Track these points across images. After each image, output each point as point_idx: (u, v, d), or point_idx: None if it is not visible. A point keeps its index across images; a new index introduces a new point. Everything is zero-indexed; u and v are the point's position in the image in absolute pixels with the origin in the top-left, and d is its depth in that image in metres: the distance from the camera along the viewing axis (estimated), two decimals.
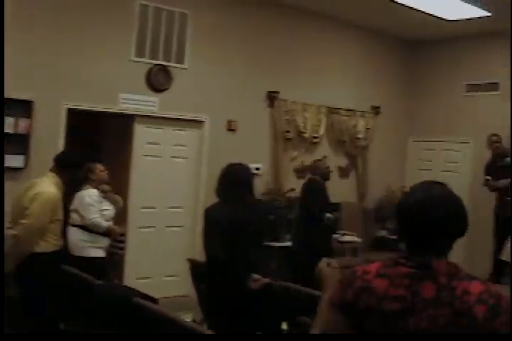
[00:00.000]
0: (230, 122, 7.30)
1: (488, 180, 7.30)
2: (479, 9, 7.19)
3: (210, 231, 3.97)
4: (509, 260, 6.01)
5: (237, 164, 4.16)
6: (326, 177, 6.79)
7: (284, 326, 4.21)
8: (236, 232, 3.90)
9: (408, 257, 1.77)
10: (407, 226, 1.81)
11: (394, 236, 8.22)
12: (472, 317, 1.63)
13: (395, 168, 9.24)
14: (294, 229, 6.89)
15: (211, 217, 3.99)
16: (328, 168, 7.04)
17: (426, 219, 1.75)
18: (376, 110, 8.84)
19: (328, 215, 6.59)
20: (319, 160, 7.20)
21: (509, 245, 6.18)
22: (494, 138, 7.89)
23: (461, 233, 1.81)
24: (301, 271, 6.10)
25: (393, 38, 9.16)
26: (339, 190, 7.89)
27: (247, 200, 4.07)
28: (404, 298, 1.72)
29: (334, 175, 8.05)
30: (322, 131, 8.19)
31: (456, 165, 8.80)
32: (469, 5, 7.02)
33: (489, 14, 7.35)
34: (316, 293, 3.93)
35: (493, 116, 8.34)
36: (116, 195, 5.45)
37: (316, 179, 6.66)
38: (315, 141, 8.12)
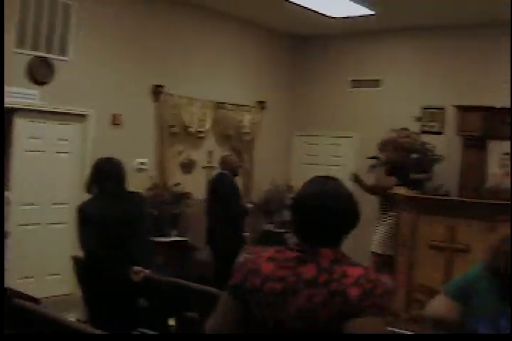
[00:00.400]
0: (114, 116, 7.63)
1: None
2: (364, 8, 7.99)
3: (84, 227, 4.24)
4: (378, 251, 6.61)
5: (107, 158, 4.48)
6: (235, 172, 7.20)
7: (172, 322, 4.44)
8: (110, 226, 4.19)
9: (298, 244, 2.01)
10: (301, 219, 2.03)
11: (280, 230, 8.79)
12: (345, 297, 1.85)
13: (281, 162, 9.89)
14: (207, 225, 7.17)
15: (84, 213, 4.27)
16: (238, 162, 7.51)
17: (319, 211, 1.97)
18: (262, 105, 9.45)
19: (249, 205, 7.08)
20: (229, 155, 7.62)
21: (377, 237, 6.76)
22: (403, 132, 8.43)
23: (352, 226, 2.04)
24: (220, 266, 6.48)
25: (281, 35, 9.92)
26: None
27: (119, 194, 4.40)
28: (287, 278, 1.94)
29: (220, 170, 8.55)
30: (208, 125, 8.70)
31: (340, 160, 9.53)
32: (355, 4, 7.76)
33: (373, 13, 8.07)
34: (207, 288, 4.32)
35: (375, 111, 9.19)
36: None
37: (226, 174, 7.03)
38: (201, 135, 8.60)
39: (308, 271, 1.92)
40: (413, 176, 7.59)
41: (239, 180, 7.62)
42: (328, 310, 1.86)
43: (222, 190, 6.92)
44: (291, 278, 1.93)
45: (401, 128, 8.45)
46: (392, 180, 6.60)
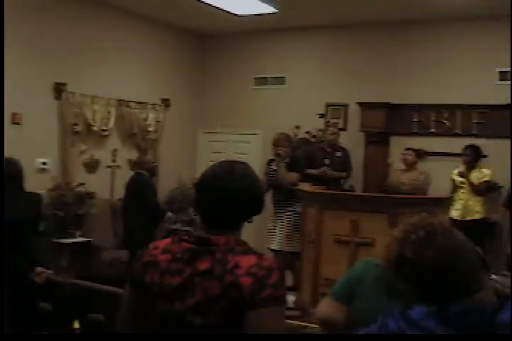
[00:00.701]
0: (14, 115, 7.44)
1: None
2: (268, 6, 8.09)
3: None
4: (282, 249, 6.69)
5: (5, 158, 4.46)
6: (153, 172, 7.20)
7: (76, 324, 4.33)
8: (8, 226, 4.10)
9: (191, 233, 2.01)
10: (202, 200, 2.04)
11: (187, 228, 8.78)
12: (239, 288, 1.84)
13: (186, 160, 9.90)
14: (124, 226, 7.13)
15: None
16: (155, 162, 7.52)
17: (219, 192, 1.97)
18: (166, 102, 9.43)
19: (169, 214, 7.02)
20: (146, 155, 7.61)
21: (279, 234, 6.84)
22: (331, 129, 8.34)
23: (255, 211, 2.05)
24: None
25: (186, 32, 9.95)
26: None
27: (17, 194, 4.34)
28: (183, 271, 1.93)
29: (125, 169, 8.51)
30: (112, 124, 8.62)
31: (246, 157, 9.58)
32: (260, 2, 7.88)
33: (277, 11, 8.18)
34: (112, 289, 4.28)
35: (280, 108, 9.33)
36: None
37: (143, 174, 7.00)
38: (104, 134, 8.51)
39: (203, 262, 1.92)
40: (336, 174, 7.75)
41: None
42: (224, 302, 1.86)
43: (140, 190, 6.89)
44: (188, 270, 1.93)
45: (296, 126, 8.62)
46: (294, 175, 6.70)
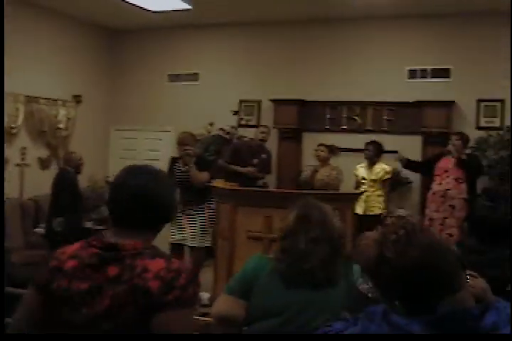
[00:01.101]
0: None
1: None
2: (182, 2, 8.10)
3: None
4: (194, 244, 6.71)
5: None
6: (78, 169, 7.21)
7: None
8: None
9: (100, 239, 2.00)
10: (115, 202, 2.07)
11: (100, 227, 8.68)
12: (147, 291, 1.86)
13: (98, 157, 9.78)
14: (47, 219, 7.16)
15: None
16: (81, 159, 7.41)
17: (132, 197, 2.01)
18: (78, 99, 9.32)
19: (59, 219, 6.94)
20: (73, 152, 7.53)
21: (191, 230, 6.87)
22: (263, 129, 8.28)
23: (165, 216, 2.09)
24: None
25: (98, 27, 9.84)
26: (40, 181, 8.15)
27: None
28: (91, 278, 1.93)
29: (35, 167, 8.35)
30: (20, 121, 8.42)
31: (158, 154, 9.57)
32: None
33: (190, 7, 8.19)
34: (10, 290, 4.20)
35: (194, 105, 9.35)
36: None
37: (68, 170, 6.98)
38: (13, 131, 8.35)
39: (112, 269, 1.93)
40: (258, 174, 7.80)
41: (51, 177, 7.47)
42: (133, 307, 1.87)
43: (64, 186, 6.90)
44: (95, 276, 1.93)
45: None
46: (206, 175, 6.72)
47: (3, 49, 4.99)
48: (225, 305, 2.78)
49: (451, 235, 6.92)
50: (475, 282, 1.86)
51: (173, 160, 6.92)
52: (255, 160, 7.79)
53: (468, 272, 1.90)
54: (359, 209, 7.67)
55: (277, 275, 2.76)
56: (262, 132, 8.01)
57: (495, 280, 2.60)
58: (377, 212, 7.79)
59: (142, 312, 1.86)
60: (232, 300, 2.77)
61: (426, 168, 7.62)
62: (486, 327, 1.52)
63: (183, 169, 6.74)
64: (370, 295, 2.72)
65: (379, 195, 7.86)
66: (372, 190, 7.84)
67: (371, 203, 7.82)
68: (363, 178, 7.89)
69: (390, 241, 1.61)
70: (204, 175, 6.67)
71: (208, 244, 6.77)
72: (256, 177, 7.80)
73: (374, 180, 7.84)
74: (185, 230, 6.77)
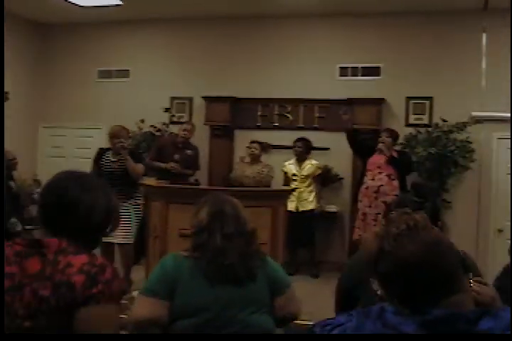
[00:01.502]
0: None
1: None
2: None
3: None
4: (122, 241, 6.64)
5: None
6: (12, 168, 7.18)
7: None
8: None
9: (25, 238, 2.02)
10: (46, 208, 2.07)
11: (28, 227, 8.52)
12: (71, 286, 1.86)
13: (26, 155, 9.54)
14: None
15: None
16: (15, 159, 7.36)
17: (57, 205, 2.02)
18: (5, 96, 9.02)
19: (13, 220, 6.80)
20: (7, 151, 7.38)
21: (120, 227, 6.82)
22: (185, 126, 8.25)
23: (93, 228, 2.06)
24: None
25: (26, 22, 9.64)
26: None
27: None
28: (14, 274, 1.92)
29: None
30: None
31: (88, 151, 9.35)
32: None
33: (121, 3, 8.11)
34: None
35: (125, 102, 9.25)
36: None
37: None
38: None
39: (33, 264, 1.92)
40: (184, 171, 7.76)
41: None
42: (55, 302, 1.85)
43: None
44: (18, 273, 1.92)
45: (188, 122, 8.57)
46: (142, 167, 6.67)
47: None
48: (148, 307, 2.72)
49: None
50: (482, 289, 1.83)
51: (102, 151, 6.82)
52: (176, 156, 7.76)
53: (477, 278, 1.91)
54: (291, 206, 7.74)
55: (198, 272, 2.75)
56: (184, 129, 7.97)
57: None
58: (309, 208, 7.88)
59: (64, 307, 1.85)
60: (154, 301, 2.72)
61: (364, 148, 7.64)
62: (480, 333, 1.50)
63: (113, 159, 6.65)
64: (379, 292, 2.73)
65: (310, 191, 7.95)
66: (304, 186, 7.92)
67: (303, 199, 7.90)
68: (294, 175, 7.96)
69: (391, 236, 1.59)
70: (140, 168, 6.63)
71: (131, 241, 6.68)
72: (182, 173, 7.75)
73: (306, 176, 7.93)
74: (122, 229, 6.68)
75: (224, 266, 2.74)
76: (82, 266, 1.89)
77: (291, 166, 8.06)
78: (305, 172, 7.97)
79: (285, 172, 8.09)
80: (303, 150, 8.02)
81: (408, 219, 1.63)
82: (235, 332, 2.69)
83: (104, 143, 9.12)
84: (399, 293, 1.59)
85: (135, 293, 6.00)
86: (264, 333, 2.78)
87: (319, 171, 8.04)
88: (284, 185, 7.88)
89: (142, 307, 2.74)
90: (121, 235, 6.46)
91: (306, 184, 7.96)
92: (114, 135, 6.71)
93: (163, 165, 7.62)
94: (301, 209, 7.87)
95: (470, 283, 1.78)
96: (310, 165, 8.01)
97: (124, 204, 6.59)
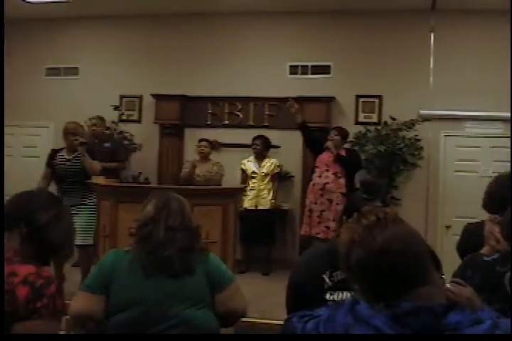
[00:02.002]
0: None
1: None
2: None
3: None
4: (78, 243, 6.54)
5: None
6: None
7: None
8: None
9: None
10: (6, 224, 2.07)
11: None
12: (15, 297, 1.80)
13: None
14: None
15: None
16: None
17: (14, 211, 2.06)
18: None
19: None
20: None
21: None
22: (93, 120, 8.38)
23: (48, 250, 2.06)
24: None
25: None
26: None
27: None
28: None
29: None
30: None
31: (36, 150, 9.27)
32: None
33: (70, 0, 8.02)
34: None
35: (74, 100, 9.13)
36: None
37: None
38: None
39: None
40: (106, 165, 7.70)
41: None
42: None
43: None
44: None
45: (97, 117, 8.48)
46: (99, 164, 6.59)
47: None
48: (84, 302, 2.76)
49: (328, 228, 7.09)
50: (460, 290, 1.85)
51: (54, 152, 6.70)
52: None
53: (455, 280, 1.92)
54: (250, 204, 7.77)
55: (136, 265, 2.79)
56: (93, 125, 8.16)
57: None
58: (268, 205, 7.91)
59: (7, 318, 1.78)
60: (90, 296, 2.76)
61: (315, 142, 7.66)
62: (448, 326, 1.53)
63: (67, 157, 6.55)
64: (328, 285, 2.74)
65: (269, 189, 7.98)
66: (264, 183, 7.94)
67: (262, 197, 7.92)
68: (254, 172, 7.98)
69: (361, 227, 1.61)
70: (98, 165, 6.55)
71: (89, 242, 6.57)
72: (107, 168, 7.65)
73: (265, 174, 7.95)
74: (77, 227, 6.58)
75: (162, 257, 2.78)
76: (27, 276, 1.85)
77: (250, 164, 8.06)
78: (265, 170, 7.98)
79: (243, 170, 8.08)
80: (262, 148, 8.04)
81: (378, 211, 1.66)
82: (170, 326, 2.72)
83: (52, 142, 9.03)
84: (368, 285, 1.61)
85: None
86: (205, 330, 2.81)
87: (278, 169, 8.08)
88: (242, 183, 7.88)
89: (77, 302, 2.77)
90: (80, 236, 6.32)
91: (265, 182, 7.98)
92: (69, 132, 6.61)
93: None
94: (259, 206, 7.89)
95: (445, 282, 1.80)
96: (269, 163, 8.03)
97: (82, 203, 6.49)
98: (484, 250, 2.85)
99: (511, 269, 2.35)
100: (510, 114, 7.67)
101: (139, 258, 2.80)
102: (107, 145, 7.92)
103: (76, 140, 6.43)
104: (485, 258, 2.51)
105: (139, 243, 2.86)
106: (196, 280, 2.83)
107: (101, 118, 8.39)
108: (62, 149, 6.66)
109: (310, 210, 7.36)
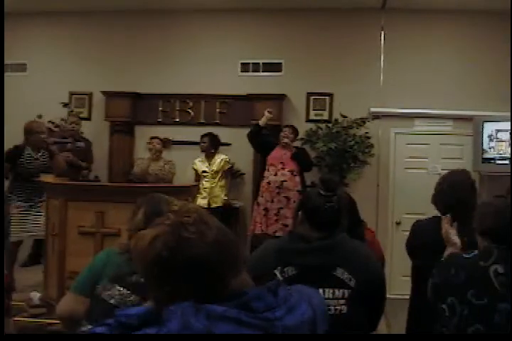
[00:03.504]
0: None
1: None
2: None
3: None
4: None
5: None
6: None
7: None
8: None
9: None
10: None
11: None
12: None
13: None
14: None
15: None
16: None
17: None
18: None
19: None
20: None
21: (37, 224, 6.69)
22: (73, 118, 8.33)
23: None
24: None
25: None
26: None
27: None
28: None
29: None
30: None
31: None
32: None
33: None
34: None
35: (22, 97, 8.98)
36: None
37: None
38: None
39: None
40: (76, 163, 7.64)
41: None
42: None
43: None
44: None
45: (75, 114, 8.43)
46: (64, 161, 6.58)
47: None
48: (68, 303, 2.76)
49: (286, 225, 7.10)
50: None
51: (18, 149, 6.63)
52: (69, 145, 7.72)
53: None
54: (203, 202, 7.75)
55: (127, 269, 2.74)
56: (72, 122, 8.07)
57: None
58: (220, 203, 7.90)
59: None
60: (76, 298, 2.75)
61: (265, 143, 7.69)
62: (280, 300, 1.59)
63: (35, 156, 6.51)
64: (112, 301, 2.70)
65: (221, 186, 7.97)
66: (215, 181, 7.93)
67: (215, 195, 7.91)
68: (204, 171, 7.95)
69: (189, 223, 1.57)
70: (64, 163, 6.56)
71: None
72: (77, 164, 7.74)
73: (216, 172, 7.93)
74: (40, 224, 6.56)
75: None
76: None
77: (199, 163, 8.03)
78: (215, 168, 7.95)
79: (195, 170, 8.06)
80: (209, 146, 8.00)
81: (194, 208, 1.65)
82: None
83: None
84: (194, 279, 1.55)
85: (34, 295, 5.91)
86: None
87: (228, 165, 8.05)
88: (196, 182, 7.85)
89: (64, 303, 2.79)
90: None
91: (216, 179, 7.96)
92: (36, 131, 6.56)
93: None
94: (213, 205, 7.87)
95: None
96: (219, 159, 8.01)
97: (41, 200, 6.50)
98: (448, 252, 2.93)
99: (495, 262, 2.42)
100: (463, 112, 7.88)
101: (132, 266, 2.74)
102: (80, 144, 7.82)
103: (45, 139, 6.43)
104: (465, 256, 2.57)
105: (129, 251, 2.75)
106: None
107: (78, 116, 8.32)
108: (24, 147, 6.59)
109: (266, 209, 7.37)
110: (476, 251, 2.55)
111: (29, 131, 6.62)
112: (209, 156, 8.02)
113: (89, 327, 2.19)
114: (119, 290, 2.68)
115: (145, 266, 1.57)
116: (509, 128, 7.31)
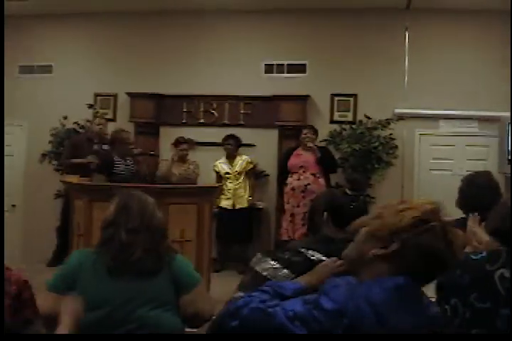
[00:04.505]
0: None
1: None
2: None
3: None
4: None
5: None
6: None
7: None
8: None
9: None
10: None
11: None
12: None
13: None
14: None
15: None
16: None
17: None
18: None
19: None
20: None
21: None
22: (101, 120, 8.31)
23: None
24: None
25: None
26: None
27: None
28: None
29: None
30: None
31: (11, 149, 9.13)
32: None
33: None
34: None
35: (48, 98, 9.02)
36: None
37: None
38: None
39: None
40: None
41: None
42: None
43: None
44: None
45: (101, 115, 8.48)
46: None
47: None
48: (48, 302, 2.71)
49: None
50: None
51: (108, 158, 6.95)
52: (95, 148, 7.75)
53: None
54: (227, 203, 7.75)
55: (100, 267, 2.78)
56: (99, 124, 8.04)
57: None
58: (245, 204, 7.89)
59: None
60: (52, 296, 2.74)
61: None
62: None
63: (125, 163, 6.93)
64: (265, 273, 2.72)
65: (245, 187, 7.97)
66: (239, 182, 7.92)
67: (240, 196, 7.90)
68: (227, 173, 7.94)
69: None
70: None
71: None
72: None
73: (239, 173, 7.93)
74: None
75: (125, 260, 2.76)
76: None
77: (222, 165, 8.03)
78: (237, 169, 7.96)
79: (217, 172, 8.05)
80: (233, 148, 8.01)
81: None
82: (135, 327, 2.71)
83: (26, 141, 8.95)
84: None
85: None
86: (170, 331, 2.79)
87: (251, 166, 8.05)
88: (218, 183, 7.85)
89: (42, 302, 2.70)
90: None
91: (240, 180, 7.96)
92: (124, 141, 7.02)
93: (79, 160, 7.49)
94: (237, 205, 7.86)
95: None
96: (241, 160, 8.00)
97: None
98: (467, 250, 2.86)
99: (501, 267, 2.35)
100: (488, 113, 7.78)
101: (103, 260, 2.78)
102: (105, 147, 7.81)
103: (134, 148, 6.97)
104: (473, 257, 2.51)
105: (103, 245, 2.84)
106: (161, 281, 2.81)
107: (105, 118, 8.37)
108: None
109: (292, 214, 7.36)
110: (484, 253, 2.48)
111: (120, 140, 6.81)
112: (231, 158, 8.01)
113: (241, 294, 2.21)
114: (272, 264, 2.70)
115: None
116: None
